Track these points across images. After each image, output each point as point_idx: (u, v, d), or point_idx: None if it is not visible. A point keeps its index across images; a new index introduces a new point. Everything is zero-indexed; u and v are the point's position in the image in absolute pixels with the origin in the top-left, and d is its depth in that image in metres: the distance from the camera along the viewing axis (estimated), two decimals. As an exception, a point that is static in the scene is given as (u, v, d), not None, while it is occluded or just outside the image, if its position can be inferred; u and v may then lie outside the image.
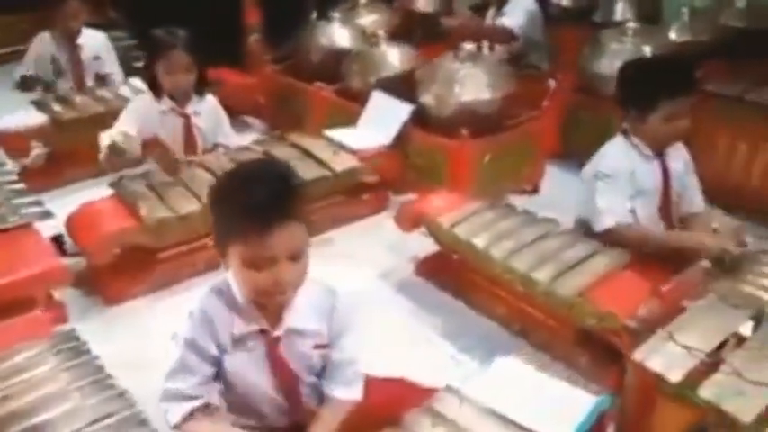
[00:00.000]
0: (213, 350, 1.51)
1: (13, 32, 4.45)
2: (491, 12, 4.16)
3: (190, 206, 2.57)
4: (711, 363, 1.46)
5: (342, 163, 2.88)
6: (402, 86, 3.26)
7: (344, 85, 3.54)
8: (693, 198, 2.46)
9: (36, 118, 3.34)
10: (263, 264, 1.39)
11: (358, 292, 2.57)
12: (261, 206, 1.36)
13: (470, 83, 3.06)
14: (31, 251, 2.21)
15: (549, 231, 2.42)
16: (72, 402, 1.53)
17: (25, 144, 3.26)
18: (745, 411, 1.35)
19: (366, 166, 2.95)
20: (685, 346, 1.48)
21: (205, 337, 1.50)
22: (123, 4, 4.55)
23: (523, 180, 3.28)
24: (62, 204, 2.68)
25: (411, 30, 4.33)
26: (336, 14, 3.87)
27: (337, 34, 3.79)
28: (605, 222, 2.28)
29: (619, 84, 2.38)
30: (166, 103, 2.93)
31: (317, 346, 1.58)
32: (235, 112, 4.03)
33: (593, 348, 2.14)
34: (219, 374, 1.55)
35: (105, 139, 2.81)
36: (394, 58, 3.47)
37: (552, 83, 3.27)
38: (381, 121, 3.19)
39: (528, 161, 3.23)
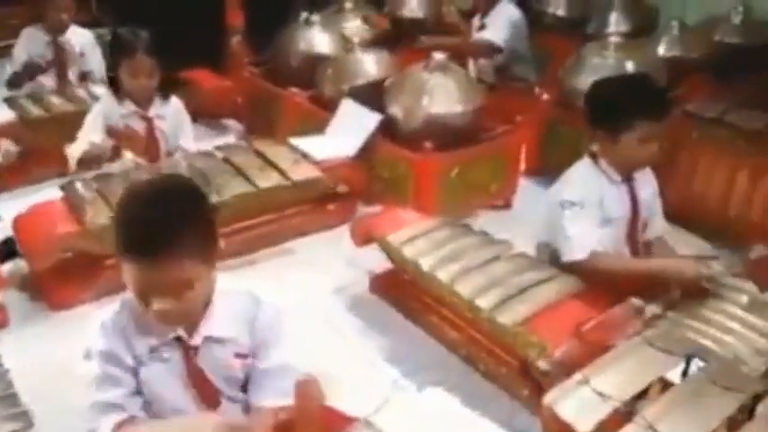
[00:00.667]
0: (130, 361, 1.46)
1: (3, 27, 4.44)
2: (476, 20, 4.08)
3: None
4: (626, 412, 1.37)
5: (301, 173, 2.80)
6: (374, 95, 3.18)
7: (318, 91, 3.46)
8: (656, 222, 2.38)
9: (5, 115, 3.31)
10: (148, 294, 1.34)
11: (309, 306, 2.56)
12: (141, 237, 1.30)
13: (439, 94, 2.99)
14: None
15: (502, 254, 2.33)
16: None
17: (-1, 137, 3.26)
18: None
19: (327, 177, 2.87)
20: (600, 393, 1.39)
21: (120, 348, 1.45)
22: (107, 2, 4.51)
23: (495, 195, 3.18)
24: (25, 204, 2.66)
25: (398, 37, 4.26)
26: (317, 18, 3.79)
27: (316, 39, 3.71)
28: (575, 254, 2.17)
29: (589, 102, 2.27)
30: (128, 106, 2.89)
31: (238, 355, 1.51)
32: (212, 115, 4.03)
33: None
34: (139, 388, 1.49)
35: (74, 151, 2.81)
36: (369, 65, 3.39)
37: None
38: (349, 130, 3.12)
39: (500, 176, 3.13)
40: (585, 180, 2.25)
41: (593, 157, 2.26)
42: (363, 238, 2.54)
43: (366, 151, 3.10)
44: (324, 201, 3.03)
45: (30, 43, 3.75)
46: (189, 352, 1.47)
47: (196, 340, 1.46)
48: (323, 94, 3.42)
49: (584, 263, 2.16)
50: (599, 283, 2.15)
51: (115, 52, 2.91)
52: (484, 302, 2.08)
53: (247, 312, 1.52)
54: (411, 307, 2.48)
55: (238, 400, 1.55)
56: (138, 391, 1.48)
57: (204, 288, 1.43)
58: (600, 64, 3.20)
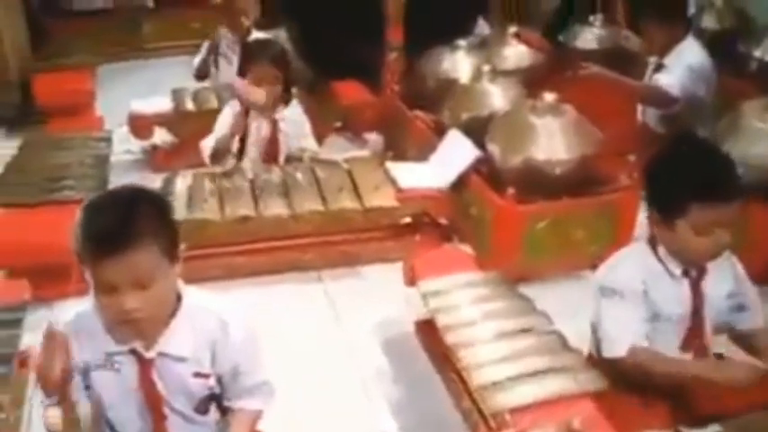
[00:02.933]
0: (80, 364, 1.52)
1: (187, 29, 5.09)
2: (654, 58, 3.61)
3: (208, 213, 2.72)
4: None
5: (375, 199, 2.79)
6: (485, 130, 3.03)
7: (439, 117, 3.39)
8: (753, 317, 1.93)
9: (164, 105, 3.78)
10: (105, 290, 1.40)
11: (345, 333, 2.57)
12: (103, 232, 1.38)
13: (541, 138, 2.73)
14: None
15: (536, 328, 2.08)
16: None
17: (149, 128, 3.74)
18: None
19: (410, 206, 2.81)
20: None
21: (73, 351, 1.51)
22: (286, 6, 4.85)
23: (595, 259, 2.81)
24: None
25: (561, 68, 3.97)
26: (464, 43, 3.70)
27: (455, 64, 3.64)
28: (614, 350, 1.84)
29: (645, 177, 1.92)
30: (254, 110, 3.10)
31: (197, 375, 1.55)
32: (355, 127, 4.17)
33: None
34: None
35: (206, 149, 3.11)
36: (495, 97, 3.21)
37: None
38: (448, 161, 3.01)
39: (605, 238, 2.72)
40: (632, 267, 1.88)
41: (653, 242, 1.89)
42: (409, 278, 2.45)
43: (462, 186, 2.97)
44: (409, 230, 2.98)
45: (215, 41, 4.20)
46: (144, 365, 1.52)
47: (151, 354, 1.51)
48: (442, 121, 3.34)
49: (626, 361, 1.82)
50: (634, 387, 1.82)
51: (244, 60, 3.15)
52: (483, 377, 1.88)
53: (211, 334, 1.54)
54: (437, 356, 2.32)
55: (188, 416, 1.58)
56: (86, 388, 1.55)
57: (167, 290, 1.47)
58: (758, 129, 2.65)
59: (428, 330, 2.43)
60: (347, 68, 4.20)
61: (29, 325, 2.10)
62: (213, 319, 1.54)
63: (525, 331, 2.06)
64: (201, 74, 4.19)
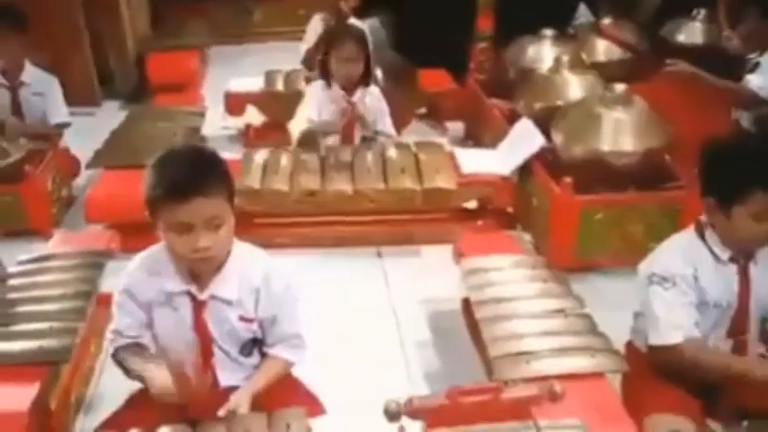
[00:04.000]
0: (145, 300, 1.79)
1: (294, 16, 5.40)
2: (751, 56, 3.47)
3: (279, 185, 2.96)
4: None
5: (434, 181, 2.91)
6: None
7: (515, 106, 3.45)
8: None
9: (257, 85, 4.08)
10: (180, 229, 1.63)
11: (395, 305, 2.73)
12: (177, 178, 1.61)
13: (608, 129, 2.74)
14: None
15: (568, 310, 2.14)
16: None
17: (242, 106, 4.05)
18: None
19: (463, 190, 2.91)
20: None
21: (140, 288, 1.78)
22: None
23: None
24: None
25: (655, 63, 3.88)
26: (550, 33, 3.72)
27: (538, 54, 3.67)
28: (666, 337, 1.87)
29: (701, 164, 1.94)
30: (335, 91, 3.28)
31: (242, 318, 1.77)
32: (438, 114, 4.29)
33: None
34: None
35: (294, 131, 3.32)
36: (570, 88, 3.24)
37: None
38: (514, 149, 3.08)
39: (662, 236, 2.68)
40: (682, 254, 1.92)
41: (700, 228, 1.92)
42: (457, 256, 2.56)
43: (527, 175, 3.04)
44: (471, 215, 3.09)
45: (318, 28, 4.47)
46: (197, 305, 1.75)
47: (204, 296, 1.74)
48: (517, 110, 3.40)
49: (676, 348, 1.85)
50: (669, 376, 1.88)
51: (327, 39, 3.34)
52: (500, 349, 1.97)
53: (255, 283, 1.76)
54: (475, 332, 2.40)
55: (233, 356, 1.81)
56: (149, 325, 1.80)
57: (229, 235, 1.68)
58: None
59: (470, 307, 2.54)
60: (436, 57, 4.33)
61: (110, 271, 2.42)
62: (258, 270, 1.76)
63: (555, 312, 2.13)
64: (309, 65, 4.45)
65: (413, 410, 1.44)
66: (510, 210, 3.19)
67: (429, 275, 2.86)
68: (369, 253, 3.05)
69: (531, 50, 3.72)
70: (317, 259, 2.94)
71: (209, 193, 1.60)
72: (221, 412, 1.70)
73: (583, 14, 4.61)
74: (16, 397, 1.87)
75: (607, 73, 3.41)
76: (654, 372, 1.95)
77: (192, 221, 1.60)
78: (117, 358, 1.80)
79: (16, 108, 3.47)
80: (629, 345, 2.10)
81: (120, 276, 1.82)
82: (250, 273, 1.76)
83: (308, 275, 2.70)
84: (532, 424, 1.44)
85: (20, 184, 3.11)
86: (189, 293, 1.74)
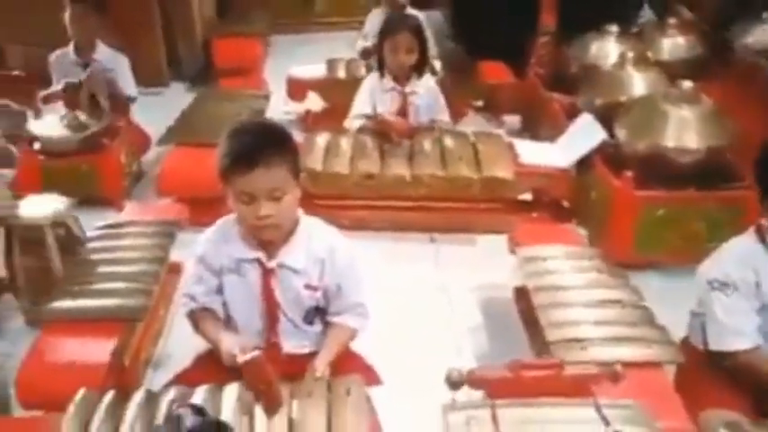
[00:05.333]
0: (217, 267, 1.91)
1: (355, 6, 5.50)
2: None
3: (339, 167, 3.06)
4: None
5: (492, 170, 2.97)
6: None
7: (575, 100, 3.47)
8: None
9: (318, 72, 4.19)
10: (245, 199, 1.75)
11: (448, 290, 2.80)
12: (245, 150, 1.73)
13: (671, 125, 2.75)
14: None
15: (625, 301, 2.18)
16: None
17: (304, 92, 4.17)
18: None
19: (521, 181, 2.96)
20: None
21: (212, 255, 1.91)
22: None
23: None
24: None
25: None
26: (615, 29, 3.73)
27: (601, 50, 3.67)
28: (729, 343, 1.89)
29: (759, 166, 1.95)
30: (388, 82, 3.36)
31: (308, 287, 1.88)
32: (495, 107, 4.33)
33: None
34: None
35: (349, 122, 3.40)
36: (633, 84, 3.24)
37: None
38: (574, 142, 3.11)
39: (723, 235, 2.68)
40: (742, 258, 1.93)
41: (760, 232, 1.93)
42: (513, 245, 2.61)
43: (586, 169, 3.07)
44: (528, 206, 3.14)
45: (376, 21, 4.58)
46: (266, 273, 1.87)
47: (272, 264, 1.86)
48: (576, 105, 3.42)
49: (736, 355, 1.87)
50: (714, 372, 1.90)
51: (382, 29, 3.40)
52: (557, 335, 2.03)
53: (321, 253, 1.87)
54: (529, 319, 2.45)
55: (297, 324, 1.93)
56: (220, 291, 1.93)
57: (292, 205, 1.80)
58: None
59: (524, 295, 2.59)
60: (496, 50, 4.36)
61: (180, 242, 2.56)
62: (324, 242, 1.88)
63: (613, 302, 2.17)
64: (365, 55, 4.54)
65: (474, 380, 1.52)
66: (566, 203, 3.23)
67: (481, 263, 2.93)
68: (423, 239, 3.13)
69: (595, 46, 3.73)
70: (373, 242, 3.03)
71: (271, 165, 1.70)
72: (308, 376, 1.79)
73: (647, 15, 4.60)
74: (97, 349, 2.02)
75: (671, 72, 3.40)
76: (710, 370, 1.97)
77: (255, 191, 1.71)
78: (191, 318, 1.93)
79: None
80: (685, 341, 2.12)
81: (192, 246, 1.95)
82: (316, 244, 1.87)
83: (363, 257, 2.78)
84: (592, 401, 1.49)
85: (96, 155, 3.31)
86: (258, 261, 1.85)
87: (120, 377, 2.12)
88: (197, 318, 1.92)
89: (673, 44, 3.87)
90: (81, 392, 1.80)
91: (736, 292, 1.88)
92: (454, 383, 1.52)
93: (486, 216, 3.10)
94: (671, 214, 2.75)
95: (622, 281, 2.28)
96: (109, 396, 1.80)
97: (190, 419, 1.01)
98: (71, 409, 1.76)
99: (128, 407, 1.72)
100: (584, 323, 2.05)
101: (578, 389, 1.52)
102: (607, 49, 3.69)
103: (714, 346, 1.92)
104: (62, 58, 3.61)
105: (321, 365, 1.82)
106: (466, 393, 1.55)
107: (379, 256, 2.91)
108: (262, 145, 1.72)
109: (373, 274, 2.76)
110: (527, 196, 3.23)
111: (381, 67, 3.37)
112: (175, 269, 2.65)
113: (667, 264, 2.81)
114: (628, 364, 1.84)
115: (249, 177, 1.69)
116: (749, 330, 1.86)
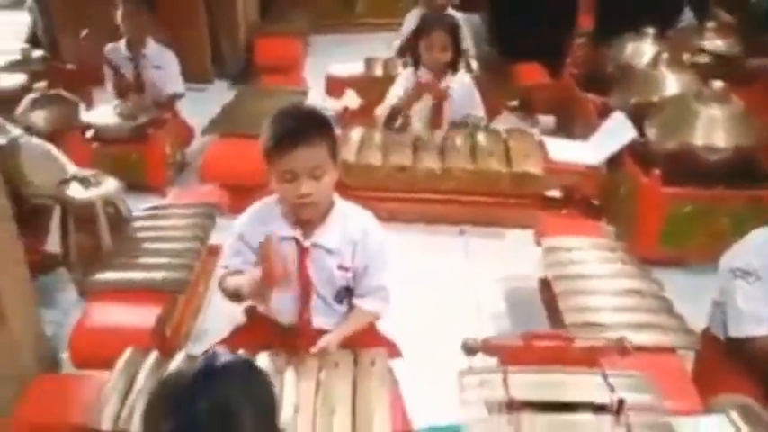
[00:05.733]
0: (255, 244, 2.02)
1: (395, 7, 5.64)
2: None
3: (372, 159, 3.21)
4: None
5: (522, 165, 3.06)
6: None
7: (608, 100, 3.54)
8: None
9: (356, 70, 4.34)
10: (287, 177, 1.88)
11: (475, 280, 2.90)
12: (289, 131, 1.87)
13: (701, 124, 2.81)
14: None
15: (645, 291, 2.26)
16: None
17: (342, 89, 4.32)
18: None
19: (551, 177, 3.05)
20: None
21: (250, 234, 2.04)
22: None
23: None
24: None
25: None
26: (651, 32, 3.79)
27: (637, 51, 3.74)
28: (749, 329, 1.98)
29: None
30: (424, 76, 3.52)
31: (340, 267, 2.01)
32: (530, 109, 4.42)
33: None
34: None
35: (380, 118, 3.53)
36: (666, 85, 3.30)
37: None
38: (606, 140, 3.18)
39: (749, 232, 2.77)
40: (764, 248, 2.02)
41: None
42: (538, 235, 2.70)
43: (616, 167, 3.14)
44: (557, 203, 3.23)
45: (414, 22, 4.70)
46: (302, 251, 2.00)
47: (308, 243, 1.99)
48: (609, 104, 3.50)
49: (756, 341, 1.95)
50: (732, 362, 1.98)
51: (419, 27, 3.53)
52: (575, 318, 2.12)
53: (355, 235, 2.00)
54: (551, 308, 2.53)
55: (328, 302, 2.06)
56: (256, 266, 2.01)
57: (330, 186, 1.93)
58: None
59: (548, 286, 2.68)
60: (533, 52, 4.45)
61: (219, 227, 2.72)
62: (358, 224, 2.01)
63: (633, 292, 2.26)
64: (402, 53, 4.66)
65: (489, 347, 1.63)
66: (596, 201, 3.31)
67: (509, 256, 3.03)
68: (453, 231, 3.24)
69: (631, 47, 3.79)
70: (403, 233, 3.15)
71: (312, 144, 1.83)
72: (314, 349, 1.95)
73: (687, 19, 4.63)
74: (142, 315, 2.20)
75: (707, 74, 3.44)
76: (729, 359, 2.04)
77: (296, 169, 1.84)
78: (221, 286, 2.04)
79: (137, 79, 3.88)
80: (706, 331, 2.20)
81: (234, 224, 2.08)
82: (351, 226, 2.00)
83: (394, 245, 2.90)
84: (599, 372, 1.58)
85: (143, 144, 3.51)
86: (295, 240, 1.98)
87: (162, 346, 2.27)
88: (225, 276, 2.02)
89: (709, 47, 3.91)
90: (127, 352, 1.99)
91: (758, 281, 1.96)
92: (470, 350, 1.63)
93: (514, 211, 3.18)
94: (697, 211, 2.81)
95: (644, 272, 2.36)
96: (152, 356, 1.98)
97: (224, 355, 1.13)
98: (118, 366, 1.94)
99: (169, 366, 1.89)
100: (604, 309, 2.14)
101: (587, 360, 1.62)
102: (643, 49, 3.75)
103: (733, 332, 2.00)
104: (114, 53, 3.83)
105: (332, 342, 1.97)
106: (482, 361, 1.66)
107: (410, 246, 3.03)
108: (304, 126, 1.86)
109: (403, 262, 2.91)
110: (557, 193, 3.33)
111: (416, 64, 3.50)
112: (215, 251, 2.81)
113: (693, 260, 2.86)
114: (644, 349, 1.95)
115: (292, 156, 1.83)
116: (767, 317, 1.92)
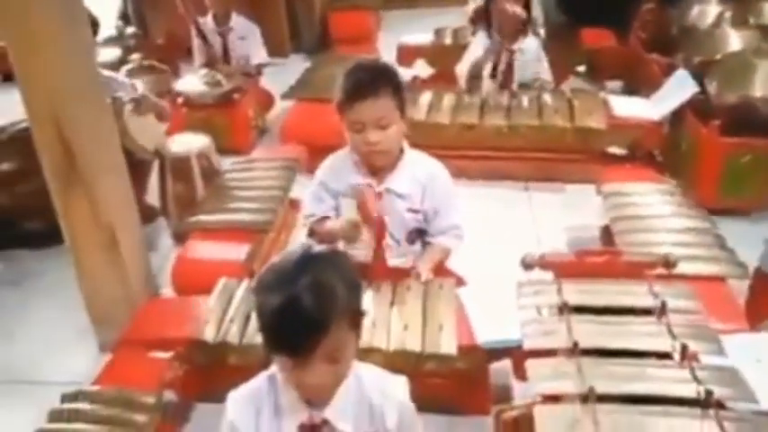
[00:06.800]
0: (334, 191, 2.29)
1: None
2: None
3: (441, 118, 3.41)
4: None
5: (585, 121, 3.21)
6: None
7: (673, 60, 3.62)
8: None
9: (426, 39, 4.55)
10: (356, 127, 2.10)
11: (536, 231, 3.07)
12: (357, 84, 2.08)
13: (760, 77, 2.89)
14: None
15: (697, 228, 2.40)
16: None
17: (412, 58, 4.54)
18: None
19: (613, 132, 3.18)
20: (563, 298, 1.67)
21: (331, 180, 2.29)
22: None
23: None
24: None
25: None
26: (717, -8, 3.83)
27: (702, 12, 3.79)
28: None
29: None
30: (495, 40, 3.68)
31: (410, 210, 2.23)
32: (599, 72, 4.51)
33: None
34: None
35: (462, 74, 3.77)
36: (731, 43, 3.37)
37: None
38: (668, 96, 3.28)
39: None
40: None
41: None
42: (599, 186, 2.85)
43: (678, 123, 3.24)
44: (620, 158, 3.36)
45: None
46: (376, 196, 2.22)
47: (380, 188, 2.22)
48: (675, 64, 3.58)
49: None
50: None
51: None
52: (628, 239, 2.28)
53: (423, 179, 2.21)
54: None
55: (401, 243, 2.29)
56: (336, 211, 2.29)
57: (398, 135, 2.12)
58: None
59: (608, 232, 2.82)
60: (600, 18, 4.54)
61: (298, 183, 2.97)
62: (425, 170, 2.22)
63: (688, 230, 2.40)
64: (474, 20, 4.82)
65: (545, 263, 1.83)
66: (659, 157, 3.41)
67: (571, 207, 3.19)
68: (517, 186, 3.43)
69: (697, 9, 3.85)
70: (471, 190, 3.34)
71: (379, 95, 2.02)
72: (413, 277, 2.19)
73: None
74: (234, 250, 2.50)
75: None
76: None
77: (364, 119, 2.04)
78: (314, 231, 2.28)
79: (224, 49, 4.21)
80: (758, 270, 2.31)
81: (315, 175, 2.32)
82: (419, 172, 2.21)
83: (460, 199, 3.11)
84: (646, 284, 1.76)
85: (228, 108, 3.84)
86: (368, 185, 2.21)
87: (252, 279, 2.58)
88: (315, 223, 2.27)
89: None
90: (222, 281, 2.29)
91: None
92: (528, 265, 1.84)
93: (578, 166, 3.32)
94: (756, 161, 2.90)
95: (699, 212, 2.49)
96: (244, 284, 2.27)
97: (317, 246, 1.37)
98: (216, 292, 2.24)
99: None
100: (658, 245, 2.28)
101: (635, 272, 1.79)
102: (707, 11, 3.80)
103: None
104: (202, 26, 4.17)
105: (425, 270, 2.20)
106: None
107: (476, 200, 3.20)
108: (372, 79, 2.05)
109: (470, 213, 3.11)
110: (620, 151, 3.45)
111: (489, 27, 3.68)
112: (295, 205, 3.10)
113: (752, 209, 2.95)
114: (696, 278, 2.09)
115: (361, 107, 2.03)
116: None
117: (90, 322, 2.55)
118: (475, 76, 3.73)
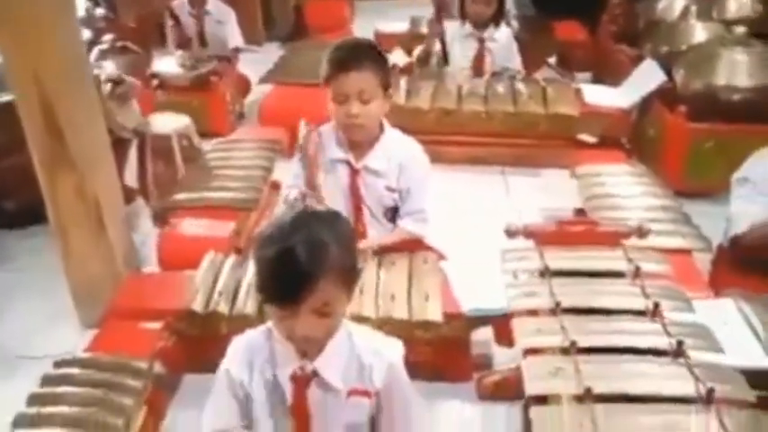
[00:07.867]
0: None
1: None
2: None
3: (420, 103, 3.52)
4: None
5: (558, 108, 3.36)
6: (679, 62, 3.41)
7: (640, 51, 3.81)
8: None
9: (402, 27, 4.67)
10: (339, 99, 2.18)
11: (513, 213, 3.20)
12: (342, 57, 2.17)
13: (724, 66, 3.08)
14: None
15: (664, 206, 2.56)
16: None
17: (389, 46, 4.63)
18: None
19: (584, 118, 3.34)
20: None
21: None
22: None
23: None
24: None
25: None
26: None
27: (669, 5, 3.99)
28: (736, 227, 2.24)
29: None
30: (467, 28, 3.81)
31: (388, 188, 2.33)
32: (567, 65, 4.68)
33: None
34: None
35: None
36: (696, 34, 3.56)
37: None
38: (635, 85, 3.46)
39: None
40: (763, 156, 2.29)
41: None
42: (572, 168, 2.99)
43: (645, 110, 3.42)
44: (590, 144, 3.51)
45: None
46: (353, 172, 2.32)
47: (358, 165, 2.32)
48: (642, 55, 3.76)
49: (744, 237, 2.20)
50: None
51: None
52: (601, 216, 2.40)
53: (401, 158, 2.31)
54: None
55: (378, 219, 2.39)
56: None
57: (379, 111, 2.22)
58: None
59: (582, 212, 2.98)
60: (571, 10, 4.73)
61: (278, 167, 3.04)
62: (403, 150, 2.32)
63: (655, 207, 2.55)
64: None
65: (528, 232, 1.96)
66: (626, 144, 3.58)
67: (546, 190, 3.33)
68: (493, 171, 3.56)
69: (664, 2, 4.05)
70: (449, 174, 3.44)
71: (362, 70, 2.11)
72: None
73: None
74: (219, 226, 2.58)
75: (732, 24, 3.68)
76: (736, 267, 2.30)
77: (347, 91, 2.13)
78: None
79: (200, 33, 4.26)
80: (720, 246, 2.47)
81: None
82: (398, 151, 2.31)
83: (440, 186, 3.23)
84: (621, 251, 1.90)
85: (205, 92, 3.90)
86: (347, 162, 2.30)
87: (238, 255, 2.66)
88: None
89: (738, 3, 4.13)
90: (210, 254, 2.36)
91: (754, 188, 2.20)
92: (511, 233, 1.96)
93: (551, 152, 3.45)
94: (720, 145, 3.09)
95: (666, 192, 2.65)
96: (231, 258, 2.35)
97: (310, 200, 1.46)
98: (204, 264, 2.31)
99: (247, 267, 2.25)
100: (629, 221, 2.42)
101: (611, 240, 1.93)
102: (674, 5, 4.01)
103: (729, 233, 2.25)
104: (179, 9, 4.22)
105: (369, 246, 2.28)
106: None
107: (454, 183, 3.34)
108: (355, 54, 2.15)
109: (448, 195, 3.22)
110: (591, 139, 3.60)
111: (462, 16, 3.81)
112: (276, 187, 3.16)
113: (716, 191, 3.12)
114: (665, 250, 2.22)
115: (344, 79, 2.12)
116: (756, 214, 2.14)
117: (72, 300, 2.59)
118: (422, 58, 3.86)
